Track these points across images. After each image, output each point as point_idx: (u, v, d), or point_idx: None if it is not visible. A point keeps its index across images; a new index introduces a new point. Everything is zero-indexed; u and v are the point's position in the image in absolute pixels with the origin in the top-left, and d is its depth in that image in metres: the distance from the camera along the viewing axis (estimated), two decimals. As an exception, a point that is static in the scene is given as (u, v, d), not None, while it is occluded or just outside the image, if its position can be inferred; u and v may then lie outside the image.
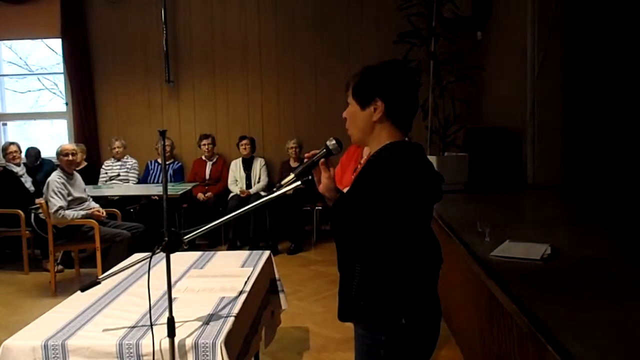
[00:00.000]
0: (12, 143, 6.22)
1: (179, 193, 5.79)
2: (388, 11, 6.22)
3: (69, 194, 4.91)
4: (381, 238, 1.65)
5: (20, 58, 7.79)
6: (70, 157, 4.99)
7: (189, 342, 2.00)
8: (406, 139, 1.75)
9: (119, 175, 6.62)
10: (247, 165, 6.62)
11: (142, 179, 6.78)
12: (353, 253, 1.72)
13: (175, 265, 2.51)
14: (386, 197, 1.61)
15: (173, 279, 2.07)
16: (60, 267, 5.62)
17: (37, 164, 6.53)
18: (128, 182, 6.62)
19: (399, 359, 1.71)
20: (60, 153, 4.98)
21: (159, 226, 5.63)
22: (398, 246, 1.67)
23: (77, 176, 5.15)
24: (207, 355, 1.98)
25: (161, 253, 1.93)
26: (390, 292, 1.68)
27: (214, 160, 6.80)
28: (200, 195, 6.46)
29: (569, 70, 4.46)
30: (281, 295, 3.19)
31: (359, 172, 1.78)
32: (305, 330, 3.97)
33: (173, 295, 2.02)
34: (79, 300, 2.40)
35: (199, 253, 3.24)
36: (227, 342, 2.02)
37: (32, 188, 6.05)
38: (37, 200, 5.35)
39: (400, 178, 1.63)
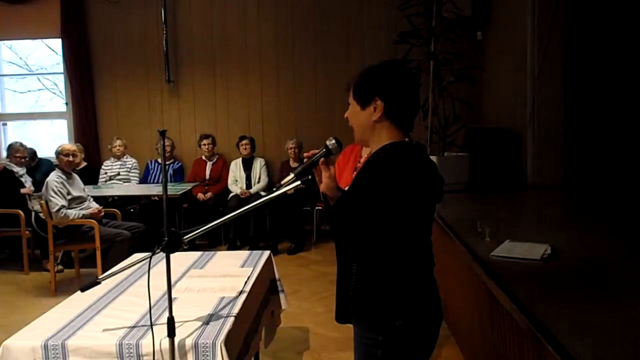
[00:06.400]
0: (21, 145, 6.15)
1: (179, 193, 5.79)
2: (388, 11, 6.22)
3: (69, 193, 4.91)
4: (378, 238, 1.65)
5: (20, 58, 7.78)
6: (71, 158, 4.99)
7: (189, 342, 2.00)
8: (406, 139, 1.75)
9: (118, 174, 6.62)
10: (247, 165, 6.62)
11: (142, 179, 6.79)
12: (351, 252, 1.72)
13: (175, 265, 2.51)
14: (382, 198, 1.61)
15: (173, 279, 2.07)
16: (60, 267, 5.62)
17: (34, 165, 6.51)
18: (129, 182, 6.62)
19: (396, 359, 1.71)
20: (61, 153, 4.97)
21: (159, 226, 5.71)
22: (394, 247, 1.67)
23: (76, 176, 5.16)
24: (207, 355, 1.98)
25: (161, 253, 1.93)
26: (386, 293, 1.68)
27: (214, 160, 6.80)
28: (200, 195, 6.46)
29: (569, 70, 4.46)
30: (281, 296, 3.19)
31: (357, 172, 1.78)
32: (305, 330, 3.97)
33: (173, 295, 2.03)
34: (79, 300, 2.40)
35: (199, 253, 3.23)
36: (227, 342, 2.02)
37: (32, 188, 6.05)
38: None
39: (397, 179, 1.62)
